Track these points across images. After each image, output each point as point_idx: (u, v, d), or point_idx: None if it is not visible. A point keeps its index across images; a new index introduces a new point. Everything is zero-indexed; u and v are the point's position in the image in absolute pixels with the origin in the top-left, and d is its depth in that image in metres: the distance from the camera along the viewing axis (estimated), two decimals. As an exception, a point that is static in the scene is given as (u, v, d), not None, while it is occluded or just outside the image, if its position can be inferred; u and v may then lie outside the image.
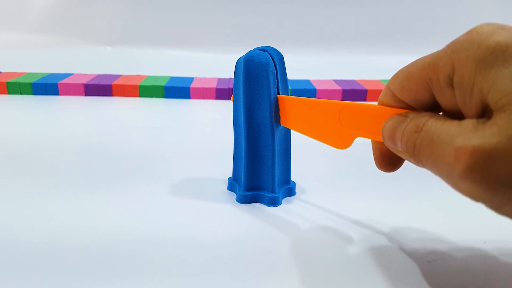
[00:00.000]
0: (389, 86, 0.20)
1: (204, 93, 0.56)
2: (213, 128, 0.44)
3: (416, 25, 0.86)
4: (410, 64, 0.18)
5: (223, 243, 0.24)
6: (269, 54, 0.25)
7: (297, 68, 0.74)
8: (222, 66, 0.69)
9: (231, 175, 0.30)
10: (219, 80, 0.60)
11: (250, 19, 0.85)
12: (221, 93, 0.56)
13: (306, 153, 0.36)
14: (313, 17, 0.86)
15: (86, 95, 0.56)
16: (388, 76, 0.75)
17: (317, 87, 0.56)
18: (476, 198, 0.15)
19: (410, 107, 0.19)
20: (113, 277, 0.20)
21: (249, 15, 0.85)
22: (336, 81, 0.60)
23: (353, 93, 0.56)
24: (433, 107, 0.18)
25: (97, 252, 0.22)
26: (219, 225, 0.25)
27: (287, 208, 0.28)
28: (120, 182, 0.31)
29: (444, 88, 0.17)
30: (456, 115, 0.17)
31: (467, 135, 0.15)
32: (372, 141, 0.22)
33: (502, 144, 0.14)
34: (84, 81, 0.56)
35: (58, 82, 0.55)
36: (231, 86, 0.56)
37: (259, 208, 0.28)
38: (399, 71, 0.19)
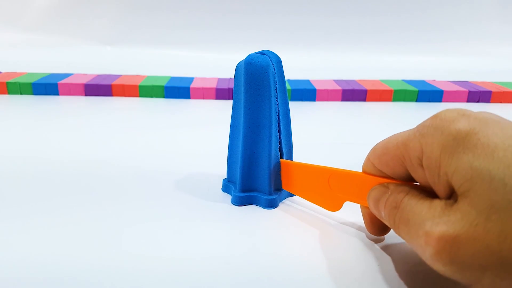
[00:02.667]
0: (369, 158, 0.21)
1: (204, 93, 0.56)
2: (213, 128, 0.44)
3: (416, 25, 0.86)
4: (387, 139, 0.20)
5: (219, 246, 0.24)
6: (268, 57, 0.26)
7: (297, 68, 0.74)
8: (222, 66, 0.69)
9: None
10: (219, 80, 0.60)
11: (250, 19, 0.85)
12: (221, 93, 0.56)
13: (307, 154, 0.36)
14: (313, 17, 0.86)
15: (86, 95, 0.56)
16: (388, 76, 0.74)
17: (317, 87, 0.56)
18: (449, 276, 0.16)
19: (390, 177, 0.21)
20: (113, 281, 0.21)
21: (249, 15, 0.85)
22: (336, 81, 0.60)
23: (353, 93, 0.56)
24: (410, 179, 0.20)
25: (94, 257, 0.22)
26: (215, 227, 0.25)
27: (285, 210, 0.28)
28: (119, 183, 0.31)
29: (416, 167, 0.18)
30: (430, 190, 0.18)
31: (435, 220, 0.16)
32: (361, 206, 0.24)
33: (464, 230, 0.15)
34: (84, 81, 0.56)
35: (58, 82, 0.55)
36: (231, 86, 0.56)
37: (256, 210, 0.28)
38: (377, 145, 0.21)
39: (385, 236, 0.24)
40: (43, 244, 0.23)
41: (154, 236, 0.24)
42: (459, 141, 0.16)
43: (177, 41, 0.85)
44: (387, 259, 0.22)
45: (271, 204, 0.27)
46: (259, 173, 0.27)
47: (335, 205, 0.25)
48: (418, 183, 0.19)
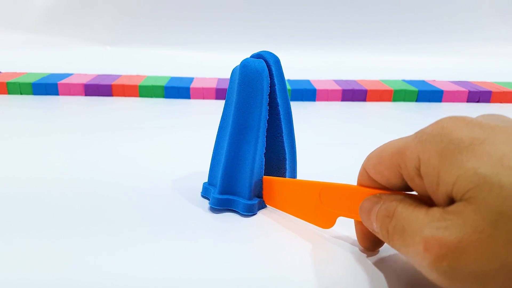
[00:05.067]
0: (364, 167, 0.20)
1: (204, 93, 0.56)
2: (213, 128, 0.44)
3: (416, 26, 0.86)
4: (381, 147, 0.19)
5: (194, 264, 0.23)
6: (265, 59, 0.25)
7: (297, 68, 0.74)
8: (222, 66, 0.69)
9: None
10: (219, 80, 0.60)
11: (250, 19, 0.85)
12: (221, 93, 0.56)
13: (306, 154, 0.36)
14: (313, 17, 0.86)
15: (86, 95, 0.56)
16: (388, 76, 0.74)
17: (317, 87, 0.56)
18: (446, 287, 0.15)
19: (386, 188, 0.20)
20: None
21: (249, 15, 0.85)
22: (336, 81, 0.60)
23: (353, 93, 0.56)
24: (406, 189, 0.19)
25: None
26: (189, 239, 0.24)
27: (264, 217, 0.27)
28: (117, 184, 0.31)
29: (413, 176, 0.17)
30: (427, 200, 0.17)
31: (434, 224, 0.15)
32: (354, 221, 0.23)
33: (468, 236, 0.14)
34: (84, 81, 0.56)
35: (58, 82, 0.55)
36: (231, 86, 0.56)
37: (233, 218, 0.26)
38: (371, 154, 0.20)
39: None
40: (27, 261, 0.22)
41: (137, 251, 0.24)
42: (462, 149, 0.15)
43: (177, 41, 0.85)
44: (388, 259, 0.22)
45: (250, 210, 0.26)
46: (240, 176, 0.27)
47: (327, 222, 0.23)
48: (414, 193, 0.18)
